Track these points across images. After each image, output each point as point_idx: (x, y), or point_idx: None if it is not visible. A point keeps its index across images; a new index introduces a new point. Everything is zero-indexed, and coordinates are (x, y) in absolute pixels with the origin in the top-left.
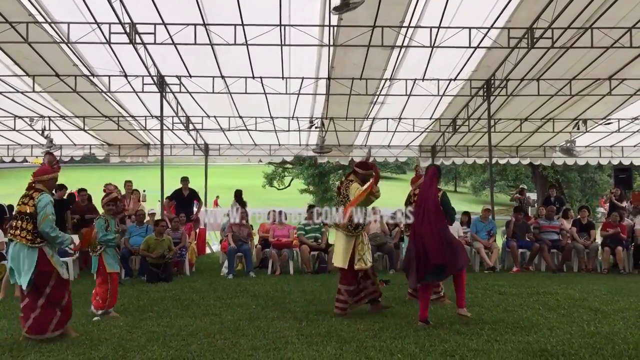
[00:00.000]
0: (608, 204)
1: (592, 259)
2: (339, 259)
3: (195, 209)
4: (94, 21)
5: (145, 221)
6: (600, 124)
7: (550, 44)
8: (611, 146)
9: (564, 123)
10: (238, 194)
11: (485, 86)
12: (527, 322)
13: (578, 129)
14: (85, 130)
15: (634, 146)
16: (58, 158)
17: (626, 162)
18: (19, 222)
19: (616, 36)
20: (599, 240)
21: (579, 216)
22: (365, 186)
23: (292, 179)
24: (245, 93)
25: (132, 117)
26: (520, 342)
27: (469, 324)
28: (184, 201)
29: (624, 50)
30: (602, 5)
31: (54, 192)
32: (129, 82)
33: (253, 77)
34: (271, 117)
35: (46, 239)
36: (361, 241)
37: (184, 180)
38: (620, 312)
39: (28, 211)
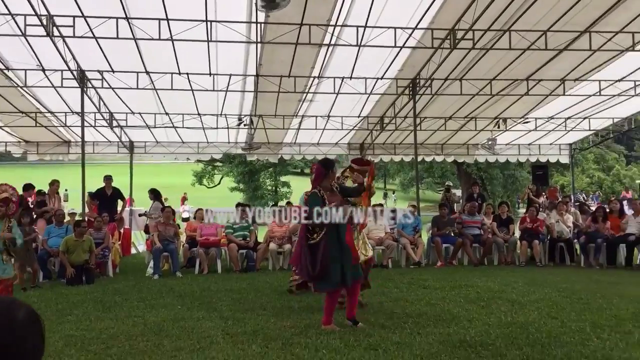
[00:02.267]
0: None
1: (511, 253)
2: None
3: (119, 208)
4: (7, 12)
5: (65, 221)
6: (519, 123)
7: (471, 45)
8: (529, 144)
9: (486, 122)
10: (158, 194)
11: (410, 85)
12: (449, 315)
13: (498, 127)
14: (0, 127)
15: (550, 144)
16: None
17: (543, 159)
18: None
19: (532, 38)
20: (517, 234)
21: (499, 211)
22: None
23: (221, 177)
24: (172, 89)
25: (51, 113)
26: (441, 334)
27: (393, 317)
28: (107, 200)
29: (540, 52)
30: (519, 9)
31: None
32: (46, 77)
33: (179, 73)
34: (199, 114)
35: None
36: (356, 237)
37: (107, 178)
38: (536, 302)
39: None
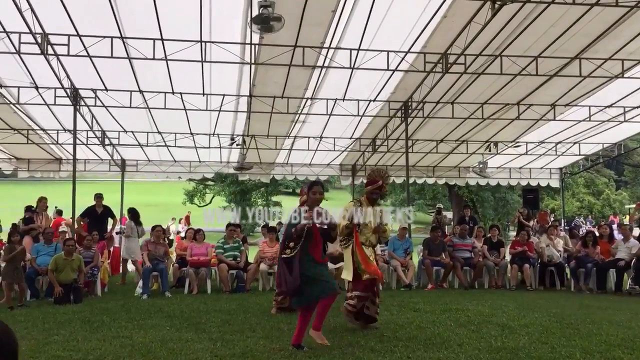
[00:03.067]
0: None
1: (501, 276)
2: (345, 272)
3: (109, 227)
4: (2, 30)
5: (55, 240)
6: (510, 147)
7: (463, 69)
8: (520, 168)
9: (477, 145)
10: (135, 213)
11: (403, 108)
12: (439, 339)
13: (490, 150)
14: None
15: (541, 168)
16: None
17: (533, 183)
18: None
19: (523, 64)
20: (508, 257)
21: (489, 235)
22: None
23: (213, 196)
24: (165, 108)
25: (43, 130)
26: (431, 359)
27: (383, 341)
28: (97, 218)
29: (531, 77)
30: (510, 35)
31: None
32: (40, 94)
33: (173, 93)
34: (191, 134)
35: None
36: (370, 254)
37: (98, 197)
38: (526, 327)
39: None
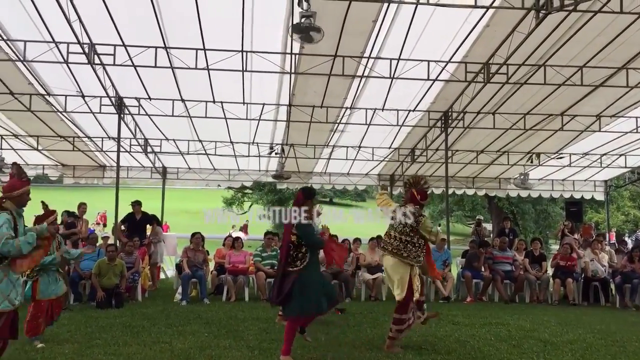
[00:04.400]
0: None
1: (543, 290)
2: (396, 289)
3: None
4: (52, 40)
5: (97, 245)
6: (553, 158)
7: (505, 79)
8: (563, 180)
9: (518, 156)
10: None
11: (443, 118)
12: (479, 353)
13: (531, 162)
14: (39, 150)
15: (584, 180)
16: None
17: (577, 195)
18: None
19: (568, 74)
20: (550, 271)
21: (531, 248)
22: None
23: (251, 204)
24: (206, 117)
25: (89, 137)
26: None
27: (422, 354)
28: (136, 225)
29: (576, 87)
30: (555, 45)
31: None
32: (86, 103)
33: (214, 102)
34: (231, 142)
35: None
36: (415, 273)
37: (136, 204)
38: (569, 344)
39: None
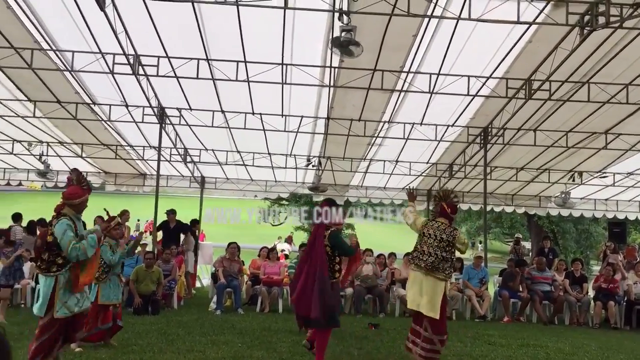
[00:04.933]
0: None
1: (584, 313)
2: (430, 308)
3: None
4: (98, 51)
5: (136, 252)
6: (596, 177)
7: (547, 95)
8: (606, 199)
9: (560, 174)
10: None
11: (482, 134)
12: None
13: (573, 180)
14: (82, 157)
15: (629, 201)
16: (53, 184)
17: (621, 216)
18: (44, 250)
19: (613, 92)
20: (591, 293)
21: (572, 268)
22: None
23: (286, 216)
24: (244, 128)
25: (130, 146)
26: None
27: None
28: (170, 233)
29: (621, 105)
30: (599, 62)
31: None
32: (129, 112)
33: (253, 113)
34: (269, 154)
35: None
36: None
37: (171, 212)
38: None
39: (48, 239)
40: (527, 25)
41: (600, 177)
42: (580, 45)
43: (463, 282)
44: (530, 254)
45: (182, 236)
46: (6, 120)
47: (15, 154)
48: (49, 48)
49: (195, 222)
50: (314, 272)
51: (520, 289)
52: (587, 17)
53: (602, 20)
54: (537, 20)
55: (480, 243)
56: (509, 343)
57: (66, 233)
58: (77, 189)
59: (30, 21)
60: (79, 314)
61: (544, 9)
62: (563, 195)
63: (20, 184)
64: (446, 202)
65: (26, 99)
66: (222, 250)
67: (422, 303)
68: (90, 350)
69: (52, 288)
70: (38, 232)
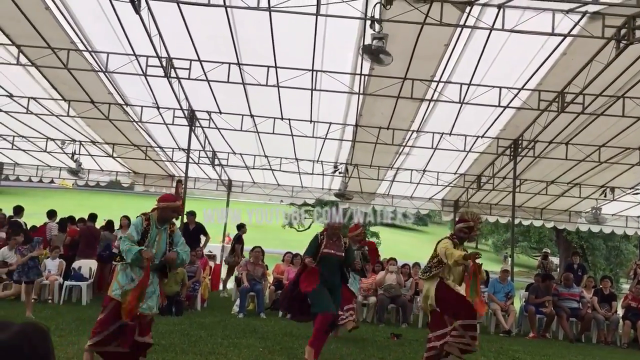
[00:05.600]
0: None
1: (612, 332)
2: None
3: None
4: (132, 53)
5: None
6: (628, 194)
7: (580, 109)
8: (638, 217)
9: (591, 189)
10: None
11: (512, 146)
12: None
13: (605, 196)
14: (113, 157)
15: None
16: (84, 182)
17: None
18: None
19: None
20: (620, 312)
21: (601, 286)
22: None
23: (312, 222)
24: (273, 133)
25: (160, 147)
26: None
27: None
28: (189, 235)
29: None
30: (635, 76)
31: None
32: (160, 114)
33: (282, 119)
34: (296, 159)
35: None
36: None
37: (191, 214)
38: None
39: None
40: (562, 37)
41: (632, 194)
42: (616, 58)
43: (488, 295)
44: (558, 269)
45: (202, 238)
46: (41, 119)
47: (48, 152)
48: (85, 49)
49: (241, 226)
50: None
51: (546, 305)
52: (623, 31)
53: (639, 34)
54: (572, 33)
55: (510, 257)
56: (534, 359)
57: (130, 227)
58: (168, 195)
59: (68, 22)
60: (142, 317)
61: (579, 21)
62: (594, 211)
63: (52, 182)
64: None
65: (61, 98)
66: (246, 254)
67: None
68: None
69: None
70: (68, 230)
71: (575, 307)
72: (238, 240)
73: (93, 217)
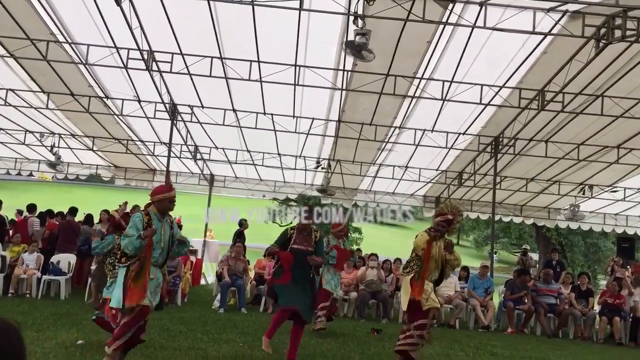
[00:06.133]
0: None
1: (588, 327)
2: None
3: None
4: (113, 45)
5: None
6: (606, 191)
7: (560, 107)
8: (616, 214)
9: (570, 187)
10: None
11: (493, 143)
12: None
13: (583, 193)
14: (93, 151)
15: (639, 216)
16: (64, 175)
17: (630, 231)
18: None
19: (627, 106)
20: (597, 308)
21: (578, 282)
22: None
23: (295, 217)
24: (255, 128)
25: (141, 141)
26: None
27: None
28: None
29: (634, 120)
30: (614, 75)
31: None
32: (141, 107)
33: (264, 113)
34: (279, 154)
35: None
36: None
37: None
38: None
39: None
40: (543, 36)
41: (610, 192)
42: (595, 58)
43: (468, 291)
44: (538, 265)
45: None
46: (19, 111)
47: (27, 145)
48: (65, 40)
49: (243, 222)
50: None
51: (525, 301)
52: (603, 30)
53: (618, 33)
54: (552, 32)
55: (495, 253)
56: (512, 354)
57: (130, 226)
58: (161, 187)
59: (47, 13)
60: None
61: (560, 20)
62: (572, 208)
63: (31, 175)
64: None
65: (40, 90)
66: (227, 248)
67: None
68: (91, 344)
69: (124, 277)
70: (47, 223)
71: (553, 303)
72: (239, 236)
73: (73, 211)
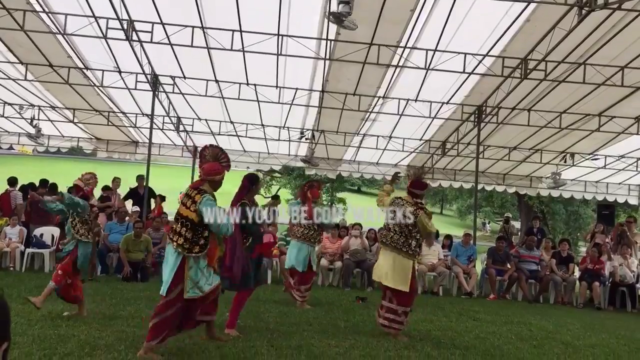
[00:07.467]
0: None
1: (569, 292)
2: (399, 281)
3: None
4: (91, 15)
5: (126, 219)
6: (587, 159)
7: (543, 76)
8: (596, 182)
9: (552, 155)
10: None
11: (476, 112)
12: (498, 351)
13: (565, 162)
14: (74, 123)
15: (619, 184)
16: (45, 148)
17: (610, 198)
18: (179, 225)
19: (608, 74)
20: (577, 274)
21: (559, 248)
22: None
23: (279, 188)
24: (238, 99)
25: (123, 113)
26: None
27: (440, 347)
28: (140, 199)
29: (615, 88)
30: (596, 43)
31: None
32: (122, 79)
33: (247, 84)
34: (262, 125)
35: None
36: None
37: (141, 178)
38: (591, 347)
39: (190, 217)
40: (526, 4)
41: (591, 159)
42: (578, 25)
43: (451, 258)
44: (520, 233)
45: (152, 202)
46: None
47: (6, 117)
48: (42, 10)
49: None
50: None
51: (508, 266)
52: None
53: (600, 0)
54: None
55: (489, 223)
56: (494, 320)
57: (213, 208)
58: (217, 165)
59: None
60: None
61: None
62: (554, 176)
63: (11, 148)
64: (412, 179)
65: (18, 61)
66: None
67: (389, 276)
68: (79, 314)
69: (181, 267)
70: (29, 196)
71: (535, 270)
72: None
73: (44, 183)
